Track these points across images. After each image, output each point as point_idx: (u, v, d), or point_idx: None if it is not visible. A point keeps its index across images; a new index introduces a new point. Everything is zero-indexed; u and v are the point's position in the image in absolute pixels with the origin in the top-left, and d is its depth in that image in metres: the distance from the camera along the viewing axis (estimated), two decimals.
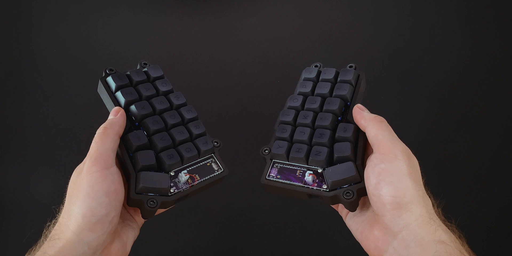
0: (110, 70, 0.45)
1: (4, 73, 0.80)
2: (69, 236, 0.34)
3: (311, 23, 0.84)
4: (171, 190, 0.40)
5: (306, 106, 0.45)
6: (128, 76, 0.45)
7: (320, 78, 0.47)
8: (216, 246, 0.73)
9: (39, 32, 0.82)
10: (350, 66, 0.47)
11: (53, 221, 0.38)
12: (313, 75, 0.47)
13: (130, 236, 0.40)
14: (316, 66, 0.49)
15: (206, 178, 0.42)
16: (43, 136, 0.77)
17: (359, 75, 0.46)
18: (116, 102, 0.43)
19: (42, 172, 0.75)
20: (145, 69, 0.47)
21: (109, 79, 0.44)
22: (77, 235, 0.34)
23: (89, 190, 0.35)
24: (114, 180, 0.36)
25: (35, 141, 0.77)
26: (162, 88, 0.46)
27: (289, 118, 0.44)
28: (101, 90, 0.45)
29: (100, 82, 0.45)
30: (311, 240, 0.73)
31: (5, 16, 0.82)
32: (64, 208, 0.37)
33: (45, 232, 0.38)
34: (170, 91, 0.46)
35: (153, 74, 0.46)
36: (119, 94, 0.43)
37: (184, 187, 0.41)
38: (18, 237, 0.68)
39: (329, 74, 0.46)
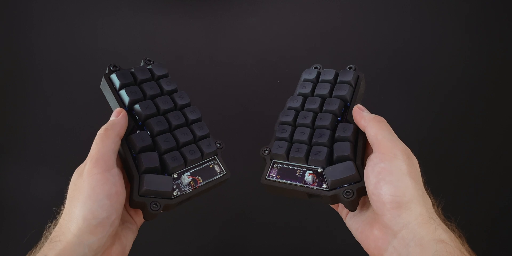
0: (114, 66, 0.44)
1: (4, 73, 0.80)
2: (69, 238, 0.34)
3: (311, 23, 0.84)
4: (174, 193, 0.40)
5: (306, 107, 0.45)
6: (132, 73, 0.45)
7: (320, 79, 0.47)
8: (216, 246, 0.73)
9: (39, 32, 0.82)
10: (350, 67, 0.47)
11: (53, 222, 0.38)
12: (313, 76, 0.47)
13: (129, 238, 0.40)
14: (316, 67, 0.49)
15: (209, 180, 0.43)
16: (43, 136, 0.77)
17: (358, 76, 0.46)
18: (120, 100, 0.43)
19: (42, 172, 0.75)
20: (150, 66, 0.46)
21: (113, 77, 0.44)
22: (78, 237, 0.34)
23: (90, 192, 0.35)
24: (116, 182, 0.36)
25: (35, 141, 0.77)
26: (167, 87, 0.45)
27: (289, 119, 0.44)
28: (104, 87, 0.44)
29: (103, 79, 0.44)
30: (311, 240, 0.73)
31: (5, 16, 0.82)
32: (64, 209, 0.37)
33: (45, 234, 0.38)
34: (174, 91, 0.46)
35: (158, 72, 0.46)
36: (123, 93, 0.43)
37: (186, 189, 0.41)
38: (18, 238, 0.68)
39: (328, 75, 0.46)
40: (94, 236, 0.34)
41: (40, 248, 0.35)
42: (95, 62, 0.81)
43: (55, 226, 0.37)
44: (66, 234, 0.34)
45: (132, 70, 0.45)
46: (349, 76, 0.46)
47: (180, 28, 0.84)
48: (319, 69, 0.48)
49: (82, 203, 0.34)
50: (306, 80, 0.47)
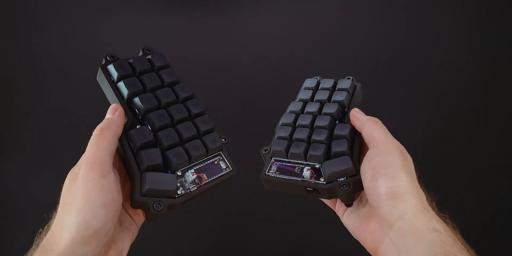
0: (111, 56, 0.41)
1: (4, 73, 0.80)
2: (62, 249, 0.32)
3: (311, 23, 0.86)
4: (178, 192, 0.38)
5: (305, 110, 0.47)
6: (130, 64, 0.42)
7: (320, 87, 0.50)
8: (216, 245, 0.72)
9: (39, 31, 0.83)
10: (348, 78, 0.50)
11: (45, 228, 0.36)
12: (313, 84, 0.50)
13: (126, 241, 0.38)
14: (316, 78, 0.52)
15: (214, 177, 0.40)
16: (43, 136, 0.77)
17: (356, 85, 0.49)
18: (118, 93, 0.40)
19: (42, 172, 0.75)
20: (149, 56, 0.43)
21: (111, 68, 0.40)
22: (70, 247, 0.32)
23: (85, 200, 0.33)
24: (112, 189, 0.34)
25: (35, 141, 0.76)
26: (168, 79, 0.42)
27: (289, 120, 0.46)
28: (101, 79, 0.41)
29: (100, 70, 0.41)
30: (311, 239, 0.72)
31: (5, 16, 0.83)
32: (57, 216, 0.35)
33: (36, 240, 0.36)
34: (176, 82, 0.43)
35: (158, 62, 0.43)
36: (121, 85, 0.40)
37: (191, 187, 0.39)
38: (17, 238, 0.67)
39: (328, 83, 0.50)
40: (87, 246, 0.32)
41: (31, 255, 0.34)
42: (95, 62, 0.81)
43: (47, 232, 0.35)
44: (58, 243, 0.33)
45: (131, 60, 0.42)
46: (347, 84, 0.49)
47: (180, 28, 0.84)
48: (319, 80, 0.51)
49: (76, 212, 0.32)
50: (306, 88, 0.50)
